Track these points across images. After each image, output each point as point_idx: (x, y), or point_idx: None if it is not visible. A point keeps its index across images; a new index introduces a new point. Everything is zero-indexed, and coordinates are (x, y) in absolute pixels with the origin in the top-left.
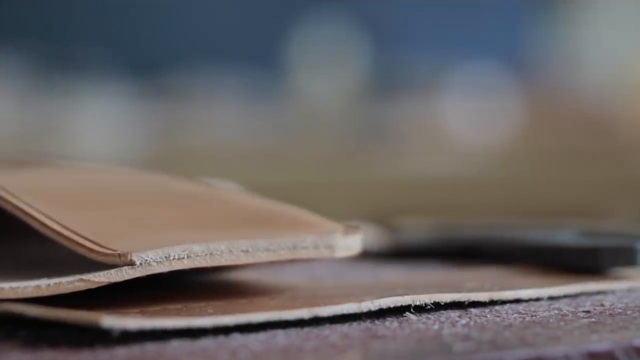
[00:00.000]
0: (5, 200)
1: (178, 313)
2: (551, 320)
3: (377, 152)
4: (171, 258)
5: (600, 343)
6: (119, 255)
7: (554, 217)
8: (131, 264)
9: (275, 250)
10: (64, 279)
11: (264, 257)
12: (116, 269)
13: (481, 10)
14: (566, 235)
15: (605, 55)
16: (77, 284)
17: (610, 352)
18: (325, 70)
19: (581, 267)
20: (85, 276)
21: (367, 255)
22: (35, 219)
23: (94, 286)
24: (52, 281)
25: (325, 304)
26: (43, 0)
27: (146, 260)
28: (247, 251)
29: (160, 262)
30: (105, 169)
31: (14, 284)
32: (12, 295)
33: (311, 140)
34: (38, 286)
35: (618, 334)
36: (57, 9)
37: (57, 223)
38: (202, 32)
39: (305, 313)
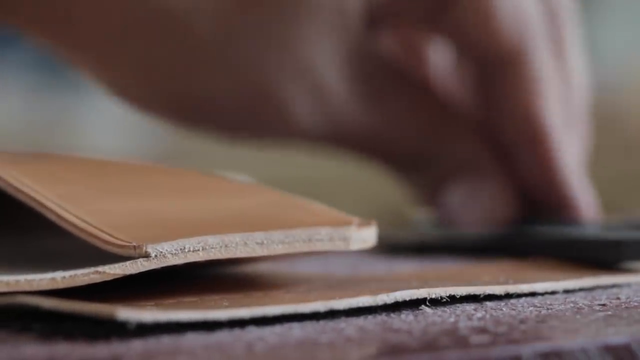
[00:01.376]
0: (19, 191)
1: (193, 306)
2: (567, 313)
3: None
4: (186, 250)
5: (617, 336)
6: (134, 247)
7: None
8: (146, 255)
9: (291, 243)
10: (79, 271)
11: (279, 249)
12: (131, 261)
13: None
14: (585, 228)
15: (614, 52)
16: (92, 276)
17: (627, 345)
18: None
19: (603, 260)
20: (101, 268)
21: (380, 249)
22: (50, 210)
23: (109, 278)
24: (67, 273)
25: (340, 297)
26: None
27: (161, 252)
28: (262, 243)
29: (175, 254)
30: (119, 161)
31: (29, 277)
32: (27, 288)
33: None
34: (53, 278)
35: (635, 327)
36: None
37: (72, 214)
38: None
39: (320, 306)
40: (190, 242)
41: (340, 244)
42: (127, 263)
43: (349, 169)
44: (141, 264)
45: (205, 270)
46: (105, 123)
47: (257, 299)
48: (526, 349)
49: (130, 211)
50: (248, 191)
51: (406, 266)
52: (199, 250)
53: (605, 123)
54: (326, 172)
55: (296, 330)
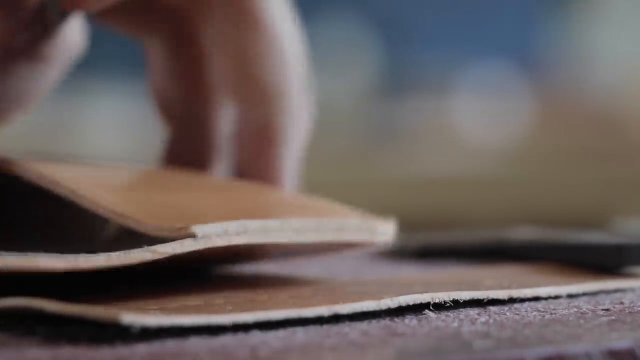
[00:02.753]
0: (48, 179)
1: (198, 310)
2: (571, 318)
3: (388, 151)
4: (229, 233)
5: (620, 341)
6: (179, 228)
7: (566, 217)
8: (192, 236)
9: (324, 231)
10: (132, 251)
11: (312, 237)
12: (179, 241)
13: (493, 10)
14: (589, 234)
15: (616, 55)
16: (145, 254)
17: (630, 350)
18: (337, 69)
19: (606, 265)
20: (152, 248)
21: (384, 253)
22: (85, 197)
23: (160, 257)
24: (122, 252)
25: (344, 302)
26: None
27: (207, 233)
28: (298, 230)
29: (220, 235)
30: (143, 167)
31: (86, 256)
32: (84, 266)
33: (322, 140)
34: (109, 256)
35: (639, 332)
36: None
37: (109, 201)
38: None
39: (325, 311)
40: (233, 225)
41: (367, 234)
42: (175, 243)
43: (350, 174)
44: (187, 244)
45: (209, 271)
46: (108, 126)
47: (261, 304)
48: (530, 354)
49: (160, 204)
50: (270, 189)
51: (409, 271)
52: (241, 233)
53: (606, 126)
54: (327, 176)
55: (300, 334)
